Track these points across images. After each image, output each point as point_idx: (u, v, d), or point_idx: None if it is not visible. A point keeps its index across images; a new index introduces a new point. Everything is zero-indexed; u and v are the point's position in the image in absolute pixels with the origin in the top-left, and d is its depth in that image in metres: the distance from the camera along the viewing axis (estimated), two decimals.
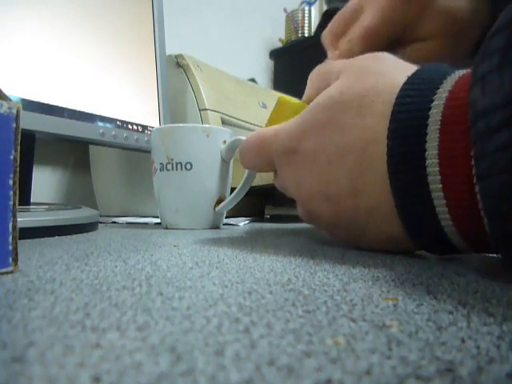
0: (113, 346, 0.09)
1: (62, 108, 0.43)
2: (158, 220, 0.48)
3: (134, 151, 0.54)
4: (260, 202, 0.70)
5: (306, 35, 1.24)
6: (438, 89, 0.20)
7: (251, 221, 0.57)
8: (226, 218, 0.48)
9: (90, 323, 0.10)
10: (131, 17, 0.54)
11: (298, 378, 0.07)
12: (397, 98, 0.21)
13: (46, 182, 0.71)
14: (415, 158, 0.20)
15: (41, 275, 0.16)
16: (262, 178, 0.45)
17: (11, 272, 0.16)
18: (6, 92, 0.17)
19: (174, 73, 0.64)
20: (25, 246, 0.26)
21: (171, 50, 0.62)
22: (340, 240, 0.28)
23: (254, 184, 0.41)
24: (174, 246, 0.27)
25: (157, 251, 0.24)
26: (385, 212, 0.22)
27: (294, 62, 1.18)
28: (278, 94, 0.87)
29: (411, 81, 0.21)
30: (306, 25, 1.26)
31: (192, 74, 0.63)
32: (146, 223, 0.51)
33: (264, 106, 0.77)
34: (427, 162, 0.19)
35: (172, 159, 0.41)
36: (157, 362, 0.08)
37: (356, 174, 0.23)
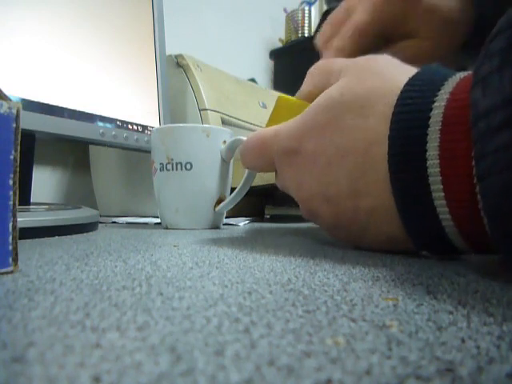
0: (113, 346, 0.09)
1: (62, 108, 0.43)
2: (158, 220, 0.48)
3: (134, 151, 0.54)
4: (260, 202, 0.70)
5: (306, 35, 1.24)
6: (440, 90, 0.20)
7: (251, 221, 0.57)
8: (226, 217, 0.48)
9: (90, 323, 0.10)
10: (131, 17, 0.54)
11: (298, 378, 0.07)
12: (398, 99, 0.21)
13: (45, 181, 0.71)
14: (416, 158, 0.20)
15: (41, 275, 0.16)
16: (262, 178, 0.45)
17: (11, 272, 0.16)
18: (6, 92, 0.17)
19: (174, 73, 0.64)
20: (25, 246, 0.26)
21: (171, 50, 0.62)
22: (340, 240, 0.28)
23: (254, 184, 0.41)
24: (174, 246, 0.27)
25: (157, 251, 0.24)
26: (385, 212, 0.22)
27: (294, 62, 1.18)
28: (277, 94, 0.87)
29: (412, 82, 0.22)
30: (306, 25, 1.26)
31: (192, 74, 0.63)
32: (146, 223, 0.51)
33: (264, 106, 0.77)
34: (428, 162, 0.19)
35: (172, 159, 0.41)
36: (157, 362, 0.08)
37: (357, 175, 0.23)
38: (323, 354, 0.09)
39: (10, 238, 0.16)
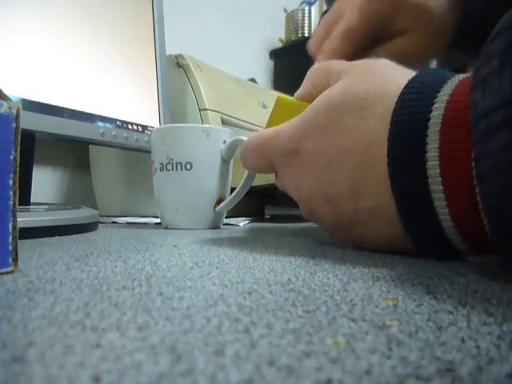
0: (113, 346, 0.09)
1: (62, 108, 0.43)
2: (158, 220, 0.48)
3: (134, 151, 0.54)
4: (260, 202, 0.70)
5: (306, 35, 1.24)
6: (439, 92, 0.20)
7: (251, 221, 0.57)
8: (226, 217, 0.48)
9: (90, 323, 0.10)
10: (131, 17, 0.54)
11: (298, 378, 0.07)
12: (397, 102, 0.21)
13: (46, 181, 0.71)
14: (416, 159, 0.20)
15: (41, 275, 0.16)
16: (262, 178, 0.45)
17: (11, 272, 0.16)
18: (6, 92, 0.17)
19: (174, 73, 0.64)
20: (25, 246, 0.26)
21: (171, 50, 0.62)
22: (340, 240, 0.28)
23: (254, 184, 0.41)
24: (174, 246, 0.27)
25: (157, 251, 0.24)
26: (385, 214, 0.22)
27: (294, 62, 1.17)
28: (277, 94, 0.87)
29: (411, 84, 0.22)
30: (306, 25, 1.26)
31: (192, 74, 0.63)
32: (146, 223, 0.51)
33: (264, 106, 0.77)
34: (428, 163, 0.19)
35: (172, 159, 0.41)
36: (157, 361, 0.08)
37: (357, 176, 0.23)
38: (323, 353, 0.09)
39: (10, 238, 0.16)
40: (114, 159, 0.65)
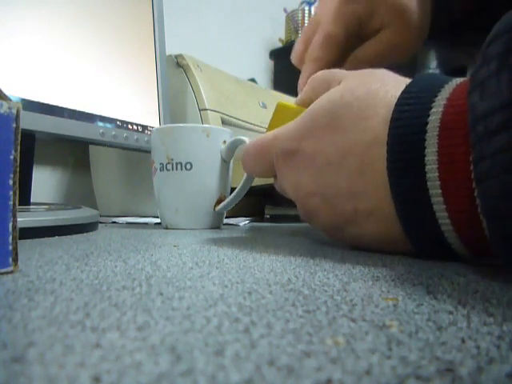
0: (113, 346, 0.09)
1: (62, 108, 0.43)
2: (158, 220, 0.48)
3: (134, 151, 0.54)
4: (260, 202, 0.70)
5: None
6: (436, 96, 0.20)
7: (251, 221, 0.57)
8: (226, 217, 0.48)
9: (90, 323, 0.10)
10: (131, 17, 0.54)
11: (298, 378, 0.07)
12: (395, 106, 0.22)
13: (46, 181, 0.71)
14: (415, 163, 0.20)
15: (41, 275, 0.16)
16: (262, 178, 0.45)
17: (11, 272, 0.16)
18: (6, 92, 0.17)
19: (174, 73, 0.64)
20: (25, 246, 0.26)
21: (171, 50, 0.62)
22: (337, 241, 0.28)
23: (253, 184, 0.41)
24: (174, 246, 0.27)
25: (157, 251, 0.24)
26: (385, 215, 0.22)
27: None
28: (278, 94, 0.87)
29: (409, 89, 0.22)
30: (306, 25, 1.26)
31: (192, 74, 0.63)
32: (146, 223, 0.51)
33: (264, 106, 0.77)
34: (427, 167, 0.19)
35: (172, 159, 0.41)
36: (157, 362, 0.08)
37: (356, 177, 0.23)
38: (323, 353, 0.09)
39: (10, 238, 0.16)
40: (114, 159, 0.65)
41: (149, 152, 0.45)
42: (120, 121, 0.50)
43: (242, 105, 0.71)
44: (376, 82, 0.24)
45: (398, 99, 0.22)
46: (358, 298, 0.13)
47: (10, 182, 0.16)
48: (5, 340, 0.09)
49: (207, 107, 0.62)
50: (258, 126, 0.71)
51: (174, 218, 0.42)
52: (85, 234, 0.35)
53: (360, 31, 0.36)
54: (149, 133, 0.53)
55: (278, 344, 0.09)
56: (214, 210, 0.42)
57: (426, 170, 0.19)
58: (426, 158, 0.19)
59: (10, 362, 0.08)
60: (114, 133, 0.49)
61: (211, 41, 1.07)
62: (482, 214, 0.16)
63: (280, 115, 0.30)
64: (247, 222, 0.54)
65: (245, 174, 0.40)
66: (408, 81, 0.23)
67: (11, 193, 0.16)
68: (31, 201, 0.44)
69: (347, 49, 0.36)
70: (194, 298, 0.13)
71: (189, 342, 0.09)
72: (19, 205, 0.17)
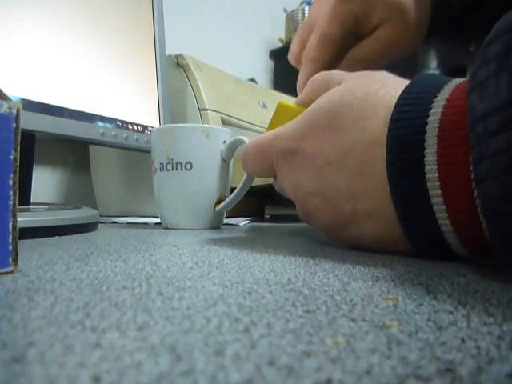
0: (113, 346, 0.09)
1: (62, 108, 0.43)
2: (158, 220, 0.48)
3: (134, 151, 0.54)
4: (260, 202, 0.70)
5: None
6: (436, 97, 0.20)
7: (251, 221, 0.57)
8: (226, 217, 0.48)
9: (90, 323, 0.10)
10: (131, 17, 0.54)
11: (298, 378, 0.07)
12: (395, 107, 0.22)
13: (46, 181, 0.71)
14: (414, 164, 0.20)
15: (41, 275, 0.16)
16: (262, 178, 0.45)
17: (11, 272, 0.16)
18: (6, 92, 0.17)
19: (174, 73, 0.64)
20: (25, 246, 0.26)
21: (171, 50, 0.62)
22: (336, 241, 0.28)
23: (253, 184, 0.41)
24: (174, 246, 0.27)
25: (157, 251, 0.24)
26: (384, 216, 0.22)
27: None
28: (278, 94, 0.87)
29: (408, 90, 0.22)
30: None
31: (192, 74, 0.63)
32: (146, 223, 0.51)
33: (264, 106, 0.77)
34: (426, 168, 0.19)
35: (172, 159, 0.41)
36: (157, 362, 0.08)
37: (355, 177, 0.23)
38: (323, 353, 0.09)
39: (10, 238, 0.16)
40: (114, 159, 0.65)
41: (149, 152, 0.45)
42: (120, 121, 0.50)
43: (242, 105, 0.71)
44: (376, 83, 0.24)
45: (398, 100, 0.22)
46: (358, 298, 0.13)
47: (10, 182, 0.16)
48: (5, 340, 0.09)
49: (207, 107, 0.62)
50: (258, 125, 0.71)
51: (173, 218, 0.42)
52: (85, 234, 0.35)
53: (357, 30, 0.35)
54: (149, 133, 0.53)
55: (278, 344, 0.09)
56: (214, 210, 0.42)
57: (426, 170, 0.19)
58: (426, 159, 0.19)
59: (10, 362, 0.08)
60: (113, 133, 0.49)
61: (211, 41, 1.07)
62: (482, 215, 0.16)
63: (280, 115, 0.30)
64: (247, 221, 0.54)
65: (245, 174, 0.40)
66: (408, 82, 0.23)
67: (11, 193, 0.16)
68: (31, 201, 0.44)
69: (344, 48, 0.36)
70: (194, 298, 0.13)
71: (189, 342, 0.09)
72: (19, 205, 0.17)
